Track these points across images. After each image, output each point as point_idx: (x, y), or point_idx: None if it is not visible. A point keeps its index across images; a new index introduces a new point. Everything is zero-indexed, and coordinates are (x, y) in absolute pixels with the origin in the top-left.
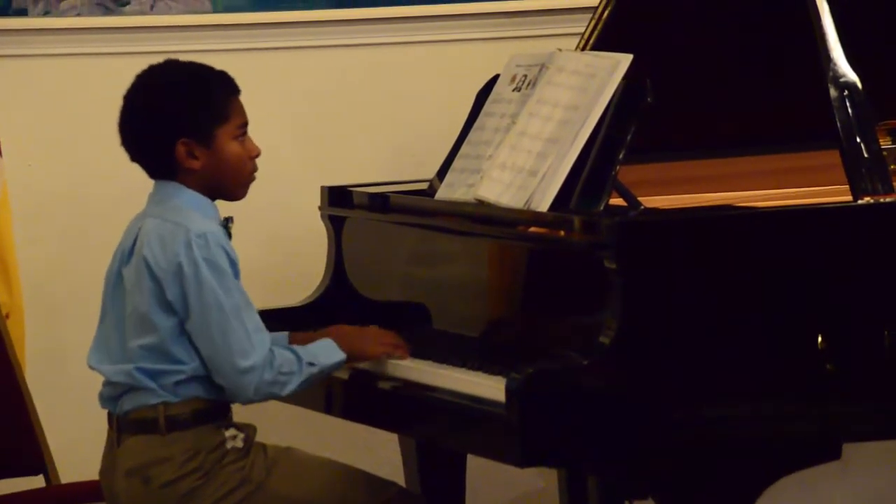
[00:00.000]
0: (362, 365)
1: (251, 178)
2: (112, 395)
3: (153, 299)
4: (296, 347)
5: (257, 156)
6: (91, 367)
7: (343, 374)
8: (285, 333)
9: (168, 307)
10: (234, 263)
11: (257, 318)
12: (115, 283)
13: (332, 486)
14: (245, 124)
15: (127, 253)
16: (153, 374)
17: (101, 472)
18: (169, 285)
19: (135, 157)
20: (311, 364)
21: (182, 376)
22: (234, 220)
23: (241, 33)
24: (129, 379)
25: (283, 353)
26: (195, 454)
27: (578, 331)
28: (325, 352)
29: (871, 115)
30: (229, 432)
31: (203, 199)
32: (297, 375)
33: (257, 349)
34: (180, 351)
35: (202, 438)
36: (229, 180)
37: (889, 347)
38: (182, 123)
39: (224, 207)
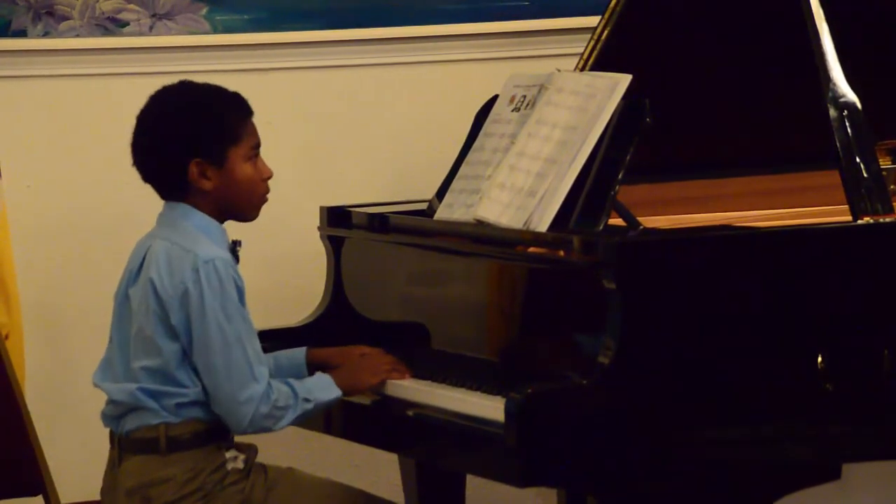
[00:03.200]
0: None
1: (263, 200)
2: (114, 413)
3: (158, 323)
4: (293, 382)
5: (269, 177)
6: (95, 385)
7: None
8: (303, 350)
9: (172, 332)
10: (240, 291)
11: (259, 348)
12: (122, 303)
13: None
14: (258, 145)
15: (134, 273)
16: (155, 395)
17: (102, 492)
18: (174, 310)
19: (147, 177)
20: (307, 400)
21: (184, 399)
22: None
23: (239, 54)
24: (131, 398)
25: (280, 388)
26: (196, 475)
27: (578, 351)
28: (322, 388)
29: (871, 134)
30: (230, 453)
31: (213, 224)
32: (292, 411)
33: (258, 381)
34: (183, 375)
35: (203, 459)
36: (241, 201)
37: (889, 368)
38: (195, 144)
39: (231, 230)
